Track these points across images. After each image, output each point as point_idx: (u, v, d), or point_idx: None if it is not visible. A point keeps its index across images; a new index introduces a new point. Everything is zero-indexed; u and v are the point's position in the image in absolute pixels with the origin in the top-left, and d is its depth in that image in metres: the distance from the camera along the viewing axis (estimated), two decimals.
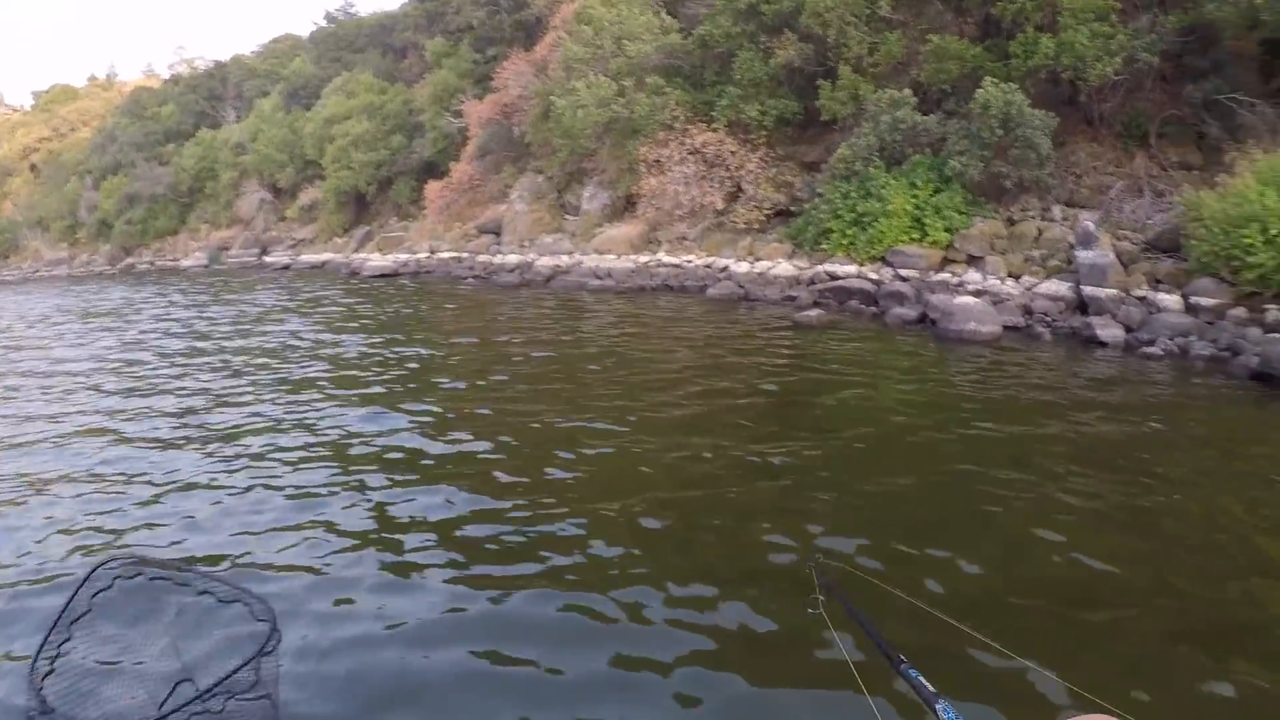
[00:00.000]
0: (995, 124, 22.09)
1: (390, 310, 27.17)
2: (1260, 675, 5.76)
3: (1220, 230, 16.85)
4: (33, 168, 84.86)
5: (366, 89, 50.79)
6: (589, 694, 5.77)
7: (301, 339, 21.63)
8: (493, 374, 16.22)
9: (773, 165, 28.79)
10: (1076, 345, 17.39)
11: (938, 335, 18.41)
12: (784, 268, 25.46)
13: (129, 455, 11.80)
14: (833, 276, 23.79)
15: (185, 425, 13.28)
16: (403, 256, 41.07)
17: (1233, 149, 19.84)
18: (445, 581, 7.45)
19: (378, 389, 15.17)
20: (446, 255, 38.98)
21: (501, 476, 10.15)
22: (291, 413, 13.62)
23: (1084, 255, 19.28)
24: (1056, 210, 22.42)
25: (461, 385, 15.57)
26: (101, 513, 9.54)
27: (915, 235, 23.02)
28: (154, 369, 18.40)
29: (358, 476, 10.28)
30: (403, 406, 13.68)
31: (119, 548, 8.37)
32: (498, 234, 37.70)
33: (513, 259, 34.89)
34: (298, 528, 8.75)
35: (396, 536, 8.47)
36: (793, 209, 27.35)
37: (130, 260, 66.33)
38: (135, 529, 8.99)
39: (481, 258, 36.78)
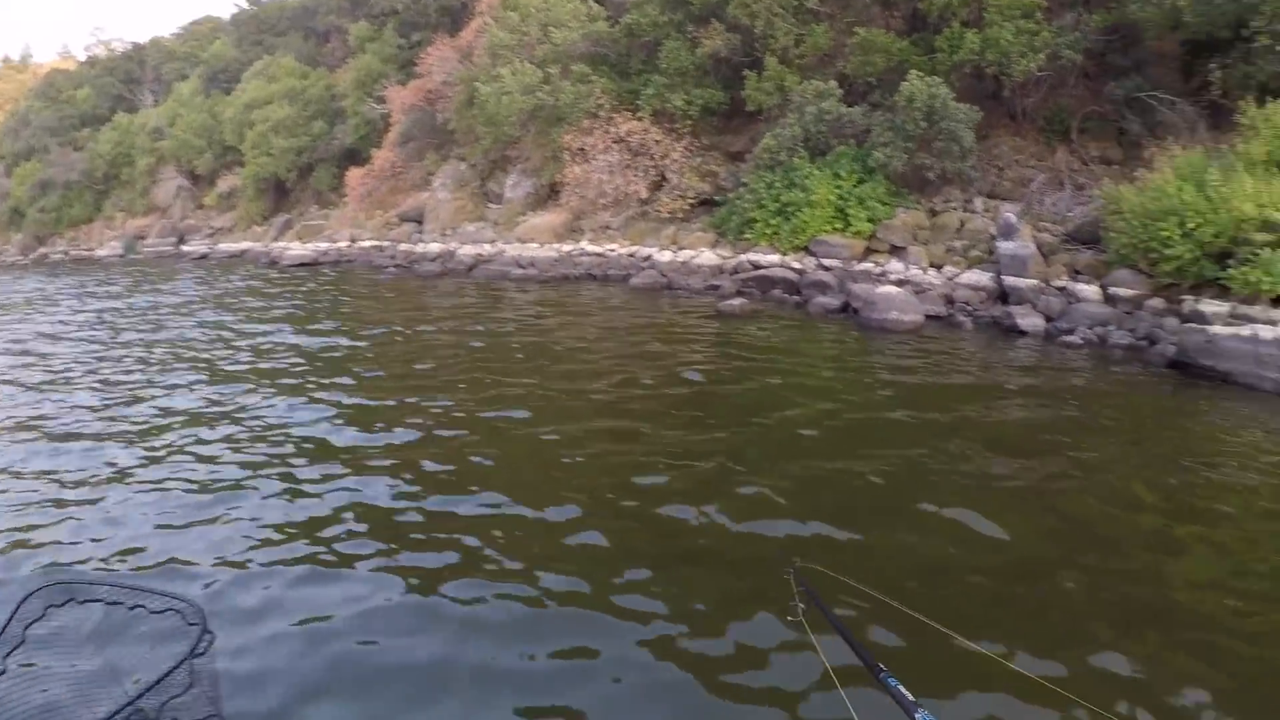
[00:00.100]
0: (920, 117, 22.00)
1: (311, 300, 26.05)
2: (1165, 648, 6.03)
3: (1139, 223, 16.89)
4: None
5: (288, 73, 49.24)
6: (527, 682, 5.73)
7: (221, 330, 20.59)
8: (415, 364, 15.75)
9: (697, 155, 28.34)
10: (997, 334, 17.40)
11: (860, 324, 18.28)
12: (707, 257, 25.07)
13: (45, 451, 11.20)
14: (756, 266, 23.52)
15: (103, 419, 12.60)
16: (323, 245, 39.73)
17: (1152, 145, 20.04)
18: (373, 571, 7.30)
19: (299, 380, 14.63)
20: (368, 244, 37.87)
21: (427, 465, 9.91)
22: (212, 405, 13.07)
23: (1005, 246, 19.24)
24: (979, 202, 22.40)
25: (383, 375, 15.09)
26: (18, 511, 9.03)
27: (839, 225, 22.82)
28: (69, 362, 17.28)
29: (280, 468, 9.96)
30: (324, 397, 13.26)
31: (34, 547, 8.05)
32: (420, 222, 36.72)
33: (435, 248, 33.93)
34: (223, 522, 8.46)
35: (323, 528, 8.23)
36: (717, 199, 26.98)
37: (43, 250, 62.89)
38: (56, 524, 8.62)
39: (403, 246, 35.76)
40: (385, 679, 5.76)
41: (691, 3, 28.22)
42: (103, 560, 7.64)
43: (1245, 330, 13.94)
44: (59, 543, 8.10)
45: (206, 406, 12.97)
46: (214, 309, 24.81)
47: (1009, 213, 20.28)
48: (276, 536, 8.05)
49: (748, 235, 24.51)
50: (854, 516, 8.20)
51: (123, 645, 4.12)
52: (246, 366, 15.99)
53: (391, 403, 12.87)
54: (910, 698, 3.10)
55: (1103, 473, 9.59)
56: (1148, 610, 6.58)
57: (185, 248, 52.56)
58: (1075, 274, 18.48)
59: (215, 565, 7.46)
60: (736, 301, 20.48)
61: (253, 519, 8.48)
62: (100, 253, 57.61)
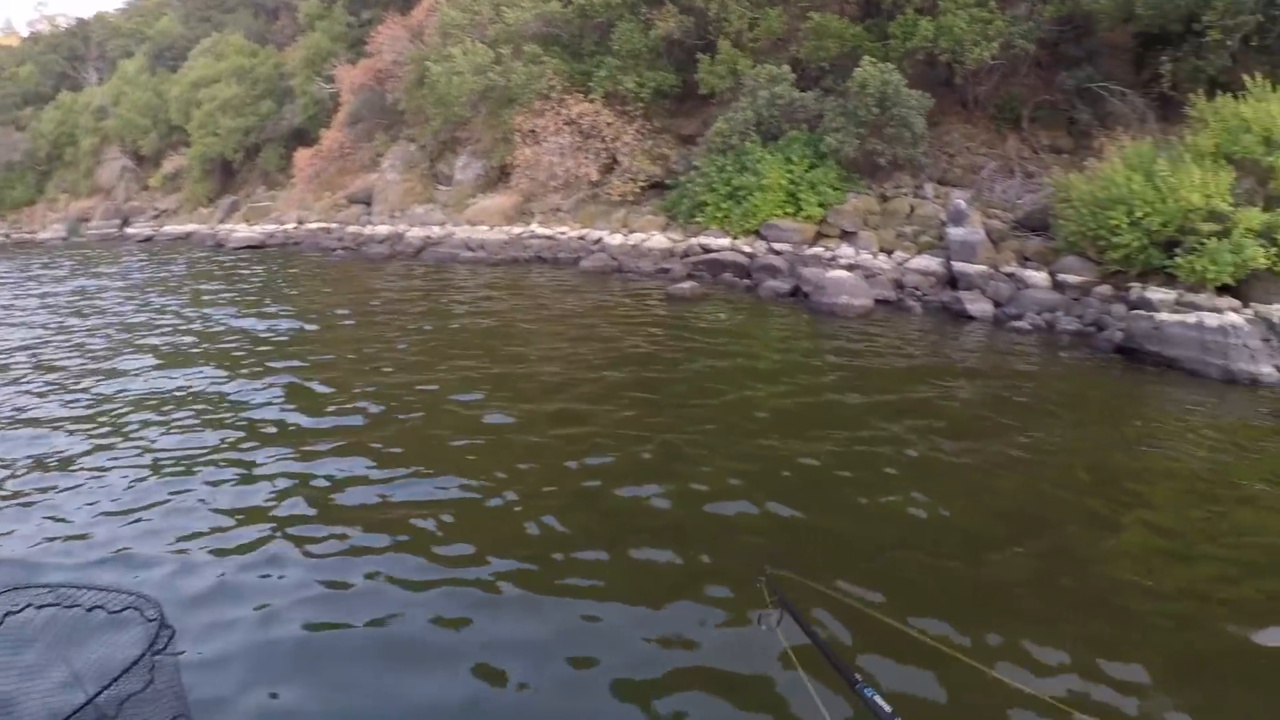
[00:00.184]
0: (872, 102, 21.83)
1: (258, 284, 25.33)
2: (1104, 626, 6.12)
3: (1088, 211, 16.97)
4: None
5: (236, 51, 47.95)
6: (483, 659, 5.72)
7: (167, 314, 19.90)
8: (363, 347, 15.34)
9: (649, 137, 27.94)
10: (946, 319, 17.35)
11: (810, 308, 18.13)
12: (658, 240, 24.70)
13: None
14: (707, 249, 23.23)
15: (47, 405, 12.16)
16: (270, 227, 38.75)
17: (1102, 135, 20.20)
18: (325, 555, 7.21)
19: (246, 364, 14.24)
20: (315, 226, 36.89)
21: (377, 447, 9.76)
22: (159, 389, 12.70)
23: (955, 232, 19.16)
24: (929, 188, 22.28)
25: (331, 358, 14.67)
26: None
27: (790, 209, 22.60)
28: (12, 349, 16.54)
29: (229, 453, 9.77)
30: (272, 381, 12.96)
31: None
32: (368, 204, 35.88)
33: (383, 230, 33.17)
34: (172, 508, 8.27)
35: (273, 511, 8.12)
36: (668, 182, 26.62)
37: None
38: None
39: (351, 229, 34.92)
40: (340, 661, 5.72)
41: None
42: (50, 550, 7.43)
43: (1191, 317, 13.96)
44: (6, 533, 7.80)
45: (153, 391, 12.61)
46: (159, 293, 23.94)
47: (959, 199, 20.23)
48: (227, 521, 7.90)
49: (699, 219, 24.23)
50: (803, 497, 8.20)
51: (83, 645, 4.01)
52: (193, 350, 15.57)
53: (340, 386, 12.58)
54: (888, 709, 3.12)
55: (1047, 455, 9.64)
56: (1089, 589, 6.63)
57: (129, 230, 50.88)
58: (1024, 260, 18.51)
59: (166, 552, 7.30)
60: (687, 285, 20.21)
61: (202, 503, 8.32)
62: (43, 235, 55.31)
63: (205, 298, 22.52)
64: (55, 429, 10.91)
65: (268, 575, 6.87)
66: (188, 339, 16.65)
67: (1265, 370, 13.04)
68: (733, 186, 23.45)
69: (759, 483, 8.60)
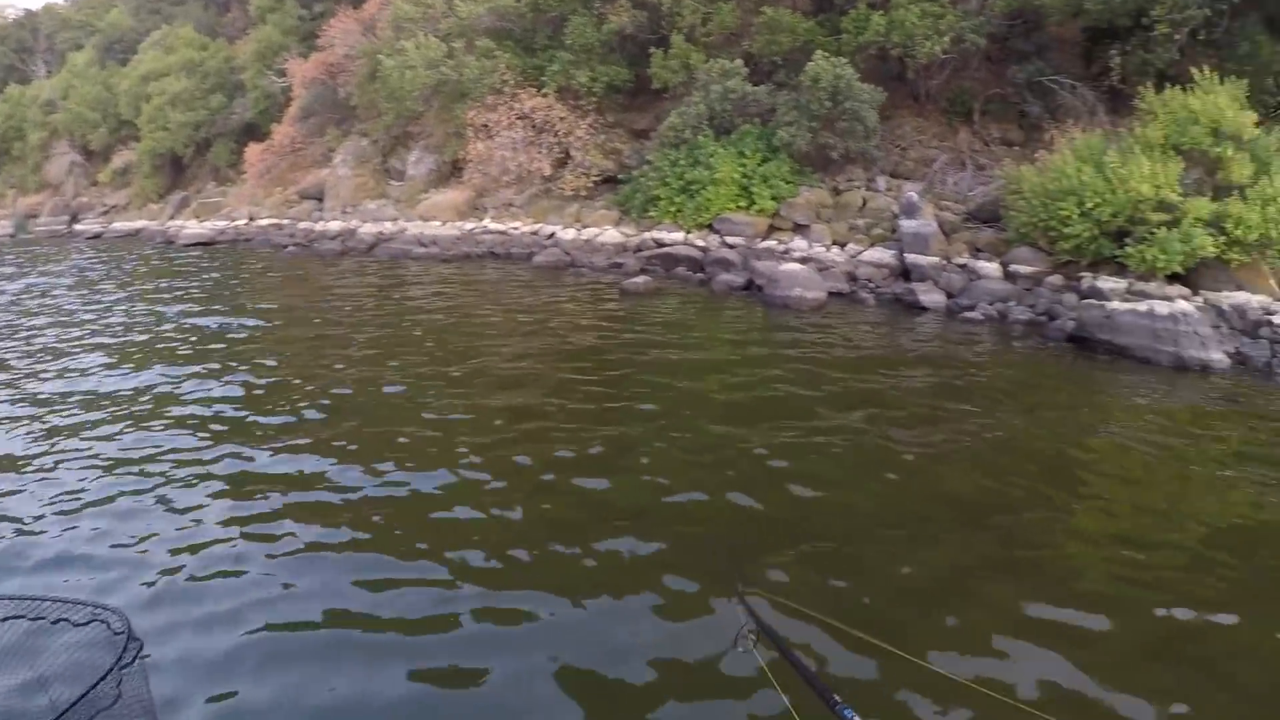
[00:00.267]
0: (824, 96, 21.64)
1: (208, 281, 24.59)
2: (1049, 610, 6.16)
3: (1039, 203, 16.97)
4: None
5: (186, 44, 46.64)
6: (450, 651, 5.72)
7: (116, 312, 19.29)
8: (316, 345, 15.03)
9: (602, 132, 27.53)
10: (900, 310, 17.27)
11: (764, 301, 17.95)
12: (611, 235, 24.32)
13: None
14: (660, 244, 22.93)
15: None
16: (220, 224, 37.66)
17: (1052, 127, 20.30)
18: (284, 555, 7.10)
19: (197, 362, 13.88)
20: (266, 222, 35.84)
21: (334, 444, 9.64)
22: (109, 388, 12.41)
23: (907, 224, 19.05)
24: (881, 181, 22.15)
25: (284, 355, 14.37)
26: None
27: (743, 203, 22.39)
28: None
29: (184, 453, 9.53)
30: (225, 379, 12.72)
31: None
32: (320, 200, 35.01)
33: (335, 226, 32.36)
34: (126, 510, 8.06)
35: (228, 511, 7.98)
36: (621, 176, 26.24)
37: None
38: None
39: (303, 224, 34.00)
40: (299, 660, 5.64)
41: None
42: (2, 552, 7.27)
43: (1142, 306, 14.02)
44: None
45: (104, 390, 12.31)
46: (110, 291, 23.17)
47: (911, 192, 20.11)
48: (181, 521, 7.75)
49: (652, 213, 23.92)
50: (758, 488, 8.23)
51: (47, 660, 3.78)
52: (144, 349, 15.11)
53: (294, 383, 12.37)
54: None
55: (1000, 442, 9.74)
56: (1043, 575, 6.71)
57: (78, 226, 49.34)
58: (976, 252, 18.48)
59: (119, 553, 7.17)
60: (640, 279, 19.94)
61: (156, 503, 8.15)
62: None
63: (155, 296, 21.79)
64: (3, 429, 10.62)
65: (224, 575, 6.75)
66: (139, 337, 16.20)
67: (1215, 357, 13.16)
68: (686, 181, 23.13)
69: (714, 474, 8.58)
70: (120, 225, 45.99)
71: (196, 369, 13.28)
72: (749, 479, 8.47)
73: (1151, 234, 15.18)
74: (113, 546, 7.26)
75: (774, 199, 22.11)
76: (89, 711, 3.19)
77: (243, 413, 10.93)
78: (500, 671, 5.47)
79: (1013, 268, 17.41)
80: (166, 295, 21.70)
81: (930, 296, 17.17)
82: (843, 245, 20.39)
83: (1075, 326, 14.56)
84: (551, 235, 25.76)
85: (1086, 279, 16.02)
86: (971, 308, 16.52)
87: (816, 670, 5.27)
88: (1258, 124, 16.20)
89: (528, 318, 16.78)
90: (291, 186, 37.09)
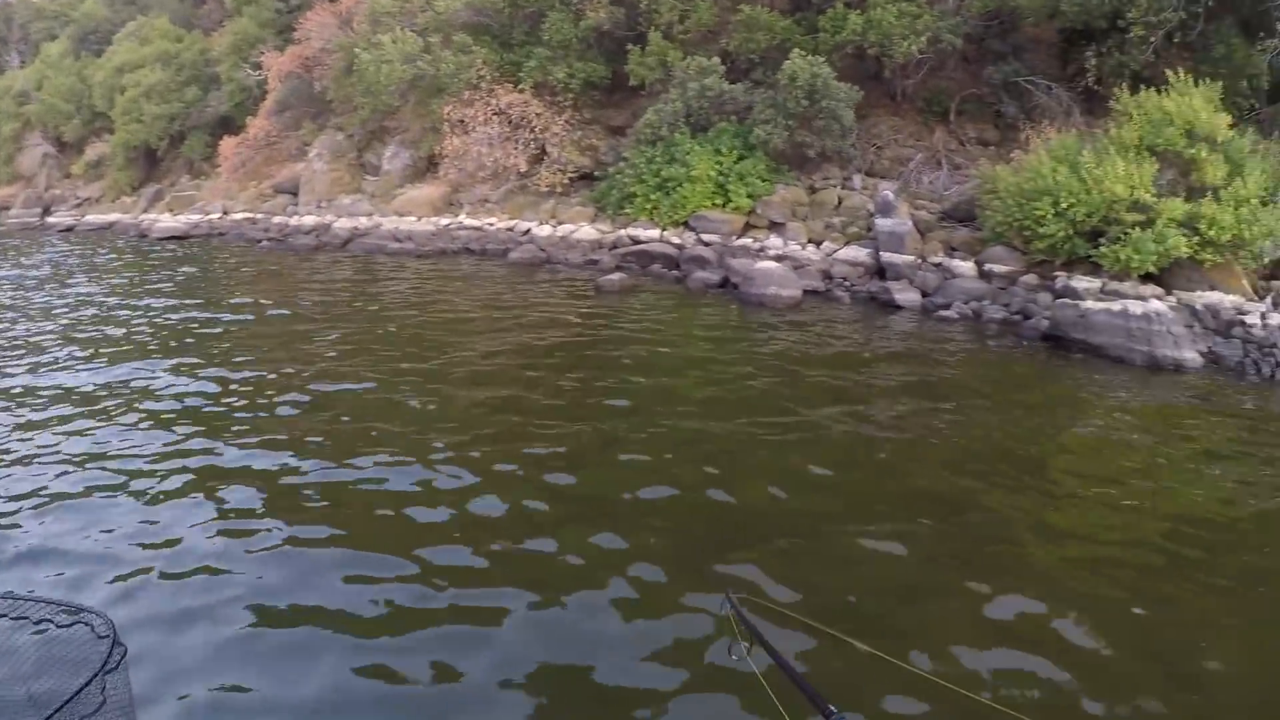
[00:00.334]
0: (801, 95, 21.47)
1: (182, 275, 24.14)
2: (1018, 605, 6.26)
3: (1014, 202, 16.93)
4: None
5: (162, 35, 45.80)
6: (427, 646, 5.67)
7: (90, 305, 18.88)
8: (290, 339, 14.83)
9: (578, 128, 27.24)
10: (875, 308, 17.22)
11: (740, 298, 17.87)
12: (587, 232, 24.08)
13: None
14: (635, 241, 22.76)
15: None
16: (194, 217, 37.02)
17: (1028, 128, 20.28)
18: (261, 550, 7.01)
19: (172, 357, 13.64)
20: (241, 216, 35.25)
21: (306, 440, 9.55)
22: (81, 382, 12.17)
23: (883, 223, 18.95)
24: (857, 179, 22.06)
25: (258, 350, 14.13)
26: None
27: (719, 201, 22.19)
28: None
29: (159, 447, 9.39)
30: (199, 373, 12.50)
31: None
32: (295, 194, 34.44)
33: (309, 220, 31.86)
34: (100, 505, 7.91)
35: (203, 505, 7.88)
36: (597, 173, 25.95)
37: None
38: None
39: (277, 219, 33.44)
40: (275, 657, 5.57)
41: None
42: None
43: (1116, 305, 13.99)
44: None
45: (77, 384, 12.07)
46: (83, 284, 22.67)
47: (887, 190, 20.04)
48: (154, 516, 7.63)
49: (627, 210, 23.69)
50: (734, 482, 8.28)
51: (26, 662, 3.60)
52: (117, 343, 14.80)
53: (268, 378, 12.19)
54: None
55: (973, 439, 9.81)
56: (1006, 566, 6.85)
57: (50, 219, 48.34)
58: (951, 251, 18.44)
59: (90, 548, 7.06)
60: (616, 276, 19.77)
61: (130, 497, 8.02)
62: None
63: (129, 289, 21.38)
64: None
65: (198, 571, 6.65)
66: (112, 331, 15.84)
67: (1189, 356, 13.22)
68: (662, 178, 22.90)
69: (690, 470, 8.57)
70: (93, 218, 45.17)
71: (170, 364, 13.04)
72: (724, 475, 8.44)
73: (1126, 234, 15.21)
74: (85, 542, 7.13)
75: (750, 197, 21.94)
76: (71, 717, 3.08)
77: (216, 408, 10.76)
78: (478, 666, 5.42)
79: (988, 267, 17.41)
80: (140, 290, 21.27)
81: (905, 295, 17.12)
82: (818, 243, 20.30)
83: (1050, 325, 14.56)
84: (527, 232, 25.48)
85: (1061, 278, 16.03)
86: (946, 306, 16.51)
87: (809, 675, 5.13)
88: (1231, 126, 16.30)
89: (503, 314, 16.61)
90: (266, 180, 36.53)
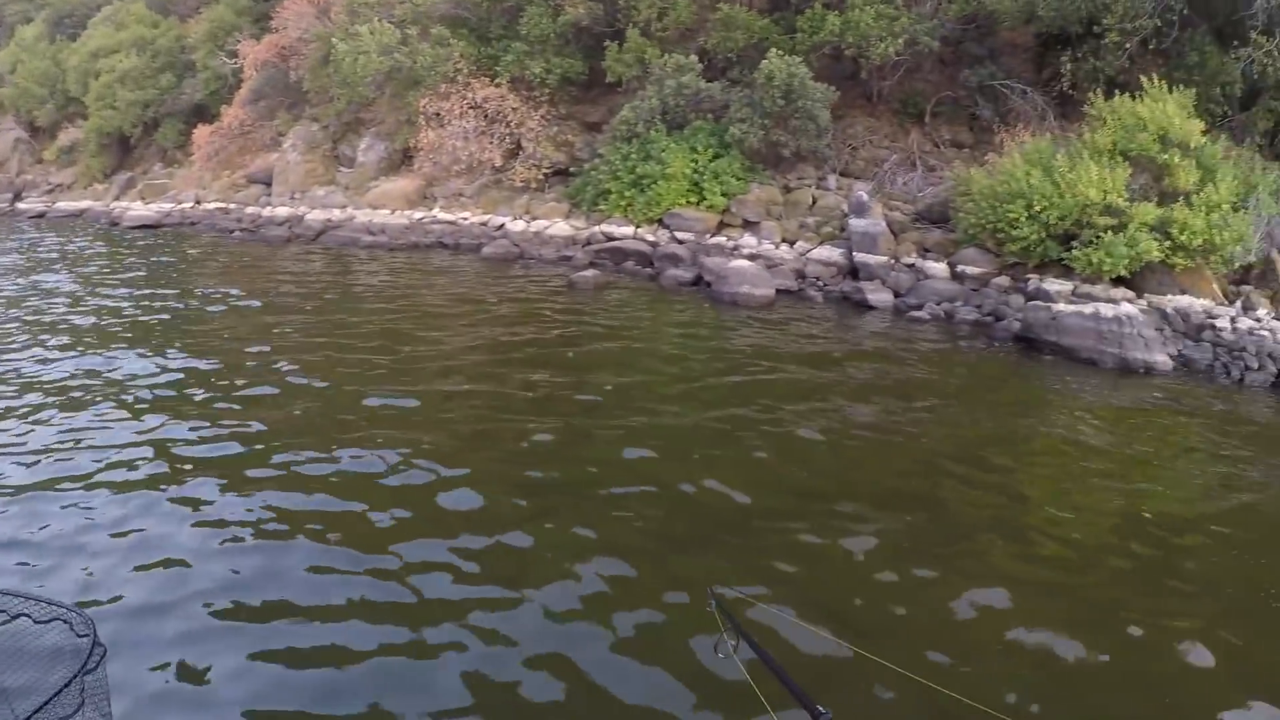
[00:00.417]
0: (777, 94, 21.28)
1: (153, 265, 23.64)
2: (981, 594, 6.41)
3: (988, 205, 16.85)
4: None
5: (138, 21, 44.93)
6: (406, 641, 5.64)
7: (58, 295, 18.46)
8: (262, 330, 14.63)
9: (554, 124, 26.91)
10: (848, 308, 17.18)
11: (712, 297, 17.74)
12: (561, 227, 23.82)
13: None
14: (609, 237, 22.51)
15: None
16: (166, 206, 36.44)
17: (1002, 131, 20.24)
18: (232, 542, 6.95)
19: (140, 347, 13.37)
20: (213, 206, 34.69)
21: (277, 431, 9.46)
22: (49, 371, 11.94)
23: (857, 223, 18.82)
24: (832, 179, 21.94)
25: (228, 341, 13.97)
26: None
27: (693, 199, 21.99)
28: None
29: (129, 436, 9.26)
30: (168, 365, 12.27)
31: None
32: (268, 185, 33.99)
33: (283, 212, 31.40)
34: (66, 494, 7.78)
35: (176, 494, 7.79)
36: (572, 169, 25.72)
37: None
38: None
39: (250, 209, 32.96)
40: (243, 648, 5.50)
41: None
42: None
43: (1088, 308, 13.98)
44: None
45: (44, 374, 11.82)
46: (52, 273, 22.19)
47: (861, 191, 19.94)
48: (122, 506, 7.54)
49: (602, 206, 23.46)
50: (705, 476, 8.29)
51: (7, 662, 3.61)
52: (86, 333, 14.49)
53: (239, 370, 12.01)
54: None
55: (940, 436, 9.87)
56: (973, 560, 6.96)
57: (21, 205, 47.35)
58: (924, 252, 18.40)
59: (56, 538, 6.95)
60: (589, 273, 19.60)
61: (97, 487, 7.89)
62: None
63: (98, 278, 20.92)
64: None
65: (169, 561, 6.57)
66: (80, 321, 15.55)
67: (1159, 359, 13.27)
68: (637, 175, 22.66)
69: (660, 464, 8.62)
70: (65, 205, 44.41)
71: (138, 354, 12.78)
72: (697, 470, 8.45)
73: (1098, 238, 15.21)
74: (51, 531, 7.02)
75: (724, 195, 21.78)
76: (49, 718, 3.06)
77: (185, 398, 10.61)
78: (450, 665, 5.38)
79: (960, 268, 17.39)
80: (110, 279, 20.82)
81: (878, 295, 17.05)
82: (792, 243, 20.19)
83: (1021, 327, 14.53)
84: (501, 227, 25.17)
85: (1033, 281, 16.05)
86: (919, 307, 16.46)
87: (790, 670, 5.07)
88: (1204, 132, 16.37)
89: (476, 309, 16.47)
90: (240, 170, 36.03)
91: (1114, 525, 7.78)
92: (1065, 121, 19.82)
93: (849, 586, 6.43)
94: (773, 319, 15.80)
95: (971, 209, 17.34)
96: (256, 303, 17.12)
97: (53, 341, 13.59)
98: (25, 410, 10.07)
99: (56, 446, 8.86)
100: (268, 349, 13.12)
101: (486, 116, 27.17)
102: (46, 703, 3.05)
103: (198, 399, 10.55)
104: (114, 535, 6.95)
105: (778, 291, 17.68)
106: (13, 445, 8.91)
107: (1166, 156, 15.66)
